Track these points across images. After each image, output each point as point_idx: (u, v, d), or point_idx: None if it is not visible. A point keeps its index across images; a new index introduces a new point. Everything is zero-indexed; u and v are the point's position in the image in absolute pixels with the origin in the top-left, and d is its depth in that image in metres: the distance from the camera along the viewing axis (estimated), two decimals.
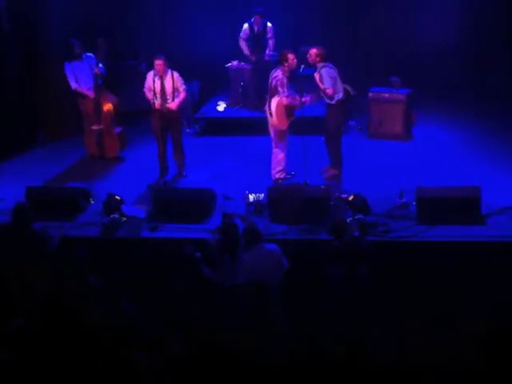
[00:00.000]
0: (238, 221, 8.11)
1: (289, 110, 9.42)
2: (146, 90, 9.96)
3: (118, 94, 11.20)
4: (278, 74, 9.36)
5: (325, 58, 9.45)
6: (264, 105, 9.89)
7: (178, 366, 5.27)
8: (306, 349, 5.40)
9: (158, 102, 9.85)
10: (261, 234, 7.29)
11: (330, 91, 9.41)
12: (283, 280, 7.12)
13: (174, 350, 5.39)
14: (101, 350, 5.40)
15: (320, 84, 9.44)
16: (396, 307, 6.61)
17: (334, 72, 9.48)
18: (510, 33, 12.48)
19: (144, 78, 10.04)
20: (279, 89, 9.33)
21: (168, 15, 13.33)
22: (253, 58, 12.33)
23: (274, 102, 9.36)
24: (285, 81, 9.35)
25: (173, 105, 9.88)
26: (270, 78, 9.45)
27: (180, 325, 5.84)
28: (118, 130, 11.05)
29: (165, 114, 9.89)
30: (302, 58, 9.70)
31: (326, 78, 9.39)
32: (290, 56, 9.29)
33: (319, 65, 9.46)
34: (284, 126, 9.50)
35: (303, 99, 9.34)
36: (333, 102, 9.54)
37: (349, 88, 9.70)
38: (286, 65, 9.30)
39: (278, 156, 9.67)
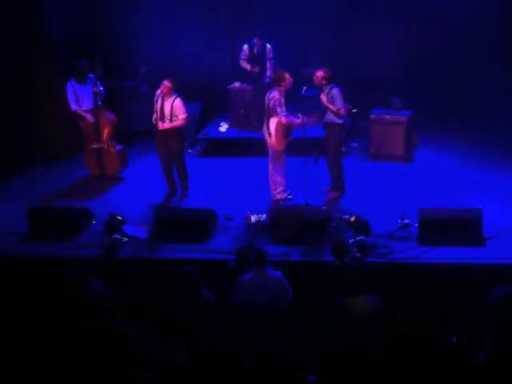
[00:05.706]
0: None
1: (287, 129, 9.45)
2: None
3: (118, 115, 11.20)
4: (275, 95, 9.36)
5: (330, 79, 9.51)
6: (263, 126, 9.89)
7: (180, 376, 5.27)
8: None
9: (155, 120, 9.87)
10: (263, 258, 7.27)
11: (343, 111, 9.51)
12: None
13: (176, 361, 5.39)
14: None
15: (329, 105, 9.49)
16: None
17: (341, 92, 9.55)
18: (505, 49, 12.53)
19: (144, 99, 10.05)
20: (278, 109, 9.32)
21: (169, 37, 13.39)
22: (256, 70, 12.31)
23: (273, 122, 9.37)
24: (282, 100, 9.37)
25: (165, 125, 9.84)
26: (267, 100, 9.46)
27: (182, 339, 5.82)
28: (118, 148, 11.05)
29: (163, 134, 9.88)
30: (303, 80, 9.72)
31: (339, 97, 9.47)
32: (287, 76, 9.33)
33: (326, 86, 9.51)
34: (281, 146, 9.53)
35: (304, 120, 9.35)
36: (341, 122, 9.60)
37: (349, 106, 9.80)
38: (283, 84, 9.32)
39: (278, 177, 9.69)
